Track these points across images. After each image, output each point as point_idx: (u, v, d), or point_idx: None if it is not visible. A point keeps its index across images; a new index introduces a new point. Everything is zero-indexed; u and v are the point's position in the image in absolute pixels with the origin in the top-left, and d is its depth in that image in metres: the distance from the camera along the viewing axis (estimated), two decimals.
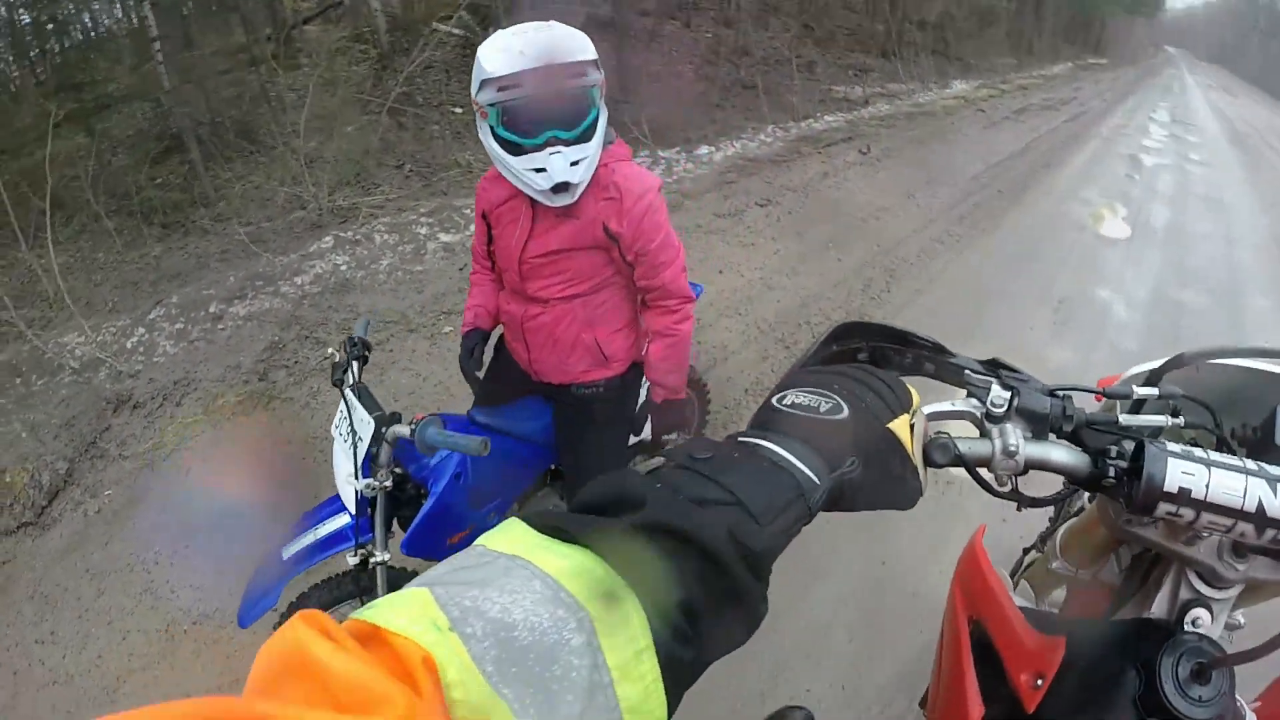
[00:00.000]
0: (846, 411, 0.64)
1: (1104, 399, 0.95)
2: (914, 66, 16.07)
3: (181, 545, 3.18)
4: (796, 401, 0.66)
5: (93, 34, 8.33)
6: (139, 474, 3.62)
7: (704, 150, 8.45)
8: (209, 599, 2.91)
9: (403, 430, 1.82)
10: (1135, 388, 0.88)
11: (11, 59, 7.48)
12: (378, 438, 1.87)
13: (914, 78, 15.62)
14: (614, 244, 1.98)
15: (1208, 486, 0.67)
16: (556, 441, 2.35)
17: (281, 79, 7.95)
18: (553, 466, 2.51)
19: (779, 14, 13.52)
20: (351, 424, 1.94)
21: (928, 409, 0.79)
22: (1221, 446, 0.84)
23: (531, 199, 1.97)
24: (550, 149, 1.81)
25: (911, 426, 0.69)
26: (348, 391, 1.98)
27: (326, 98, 7.41)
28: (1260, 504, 0.66)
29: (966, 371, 0.88)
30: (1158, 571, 0.89)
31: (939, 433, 0.78)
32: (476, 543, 0.48)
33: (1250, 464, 0.69)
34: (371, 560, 1.95)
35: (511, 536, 0.48)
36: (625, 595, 0.44)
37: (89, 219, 6.11)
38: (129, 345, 4.49)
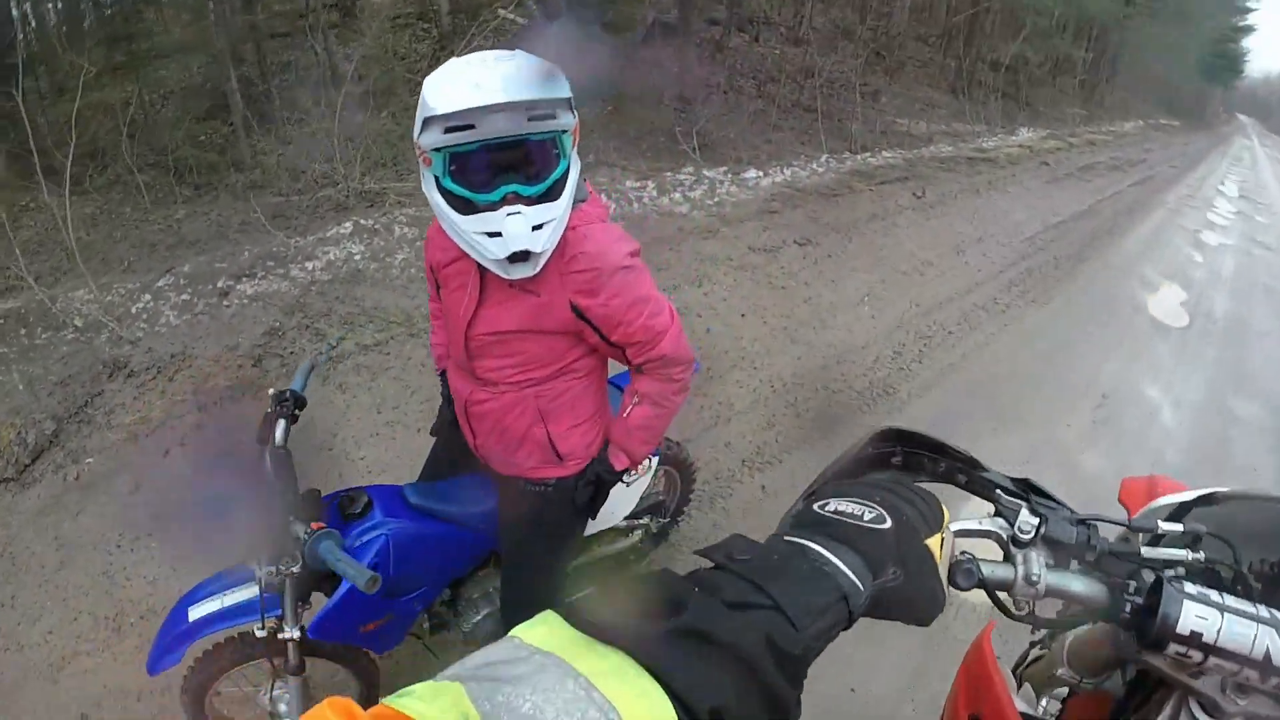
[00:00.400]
0: (889, 523, 0.65)
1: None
2: (982, 108, 15.80)
3: (145, 533, 3.14)
4: (840, 509, 0.67)
5: None
6: (121, 446, 3.57)
7: (752, 174, 8.24)
8: (159, 594, 2.89)
9: (298, 531, 1.62)
10: (1160, 523, 0.88)
11: (61, 4, 7.48)
12: (283, 524, 1.66)
13: (981, 119, 15.35)
14: (586, 325, 1.66)
15: (1219, 633, 0.69)
16: (499, 530, 2.10)
17: (339, 49, 7.91)
18: (495, 549, 2.27)
19: (850, 38, 13.27)
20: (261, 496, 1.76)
21: (955, 525, 0.79)
22: (1238, 583, 0.85)
23: (480, 269, 1.65)
24: (508, 208, 1.48)
25: (941, 542, 0.69)
26: (266, 455, 1.76)
27: (378, 73, 7.34)
28: (1268, 652, 0.68)
29: (998, 490, 0.88)
30: (1160, 694, 0.89)
31: (963, 553, 0.78)
32: (512, 634, 0.49)
33: (1264, 611, 0.71)
34: (281, 636, 1.78)
35: (547, 632, 0.49)
36: (658, 698, 0.44)
37: (123, 170, 6.08)
38: (134, 310, 4.43)
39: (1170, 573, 0.79)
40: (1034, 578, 0.78)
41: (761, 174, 8.33)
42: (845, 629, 0.58)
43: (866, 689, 2.71)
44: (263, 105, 7.11)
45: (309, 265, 4.98)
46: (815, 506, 0.69)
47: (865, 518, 0.65)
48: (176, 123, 6.43)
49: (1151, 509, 1.06)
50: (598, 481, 1.90)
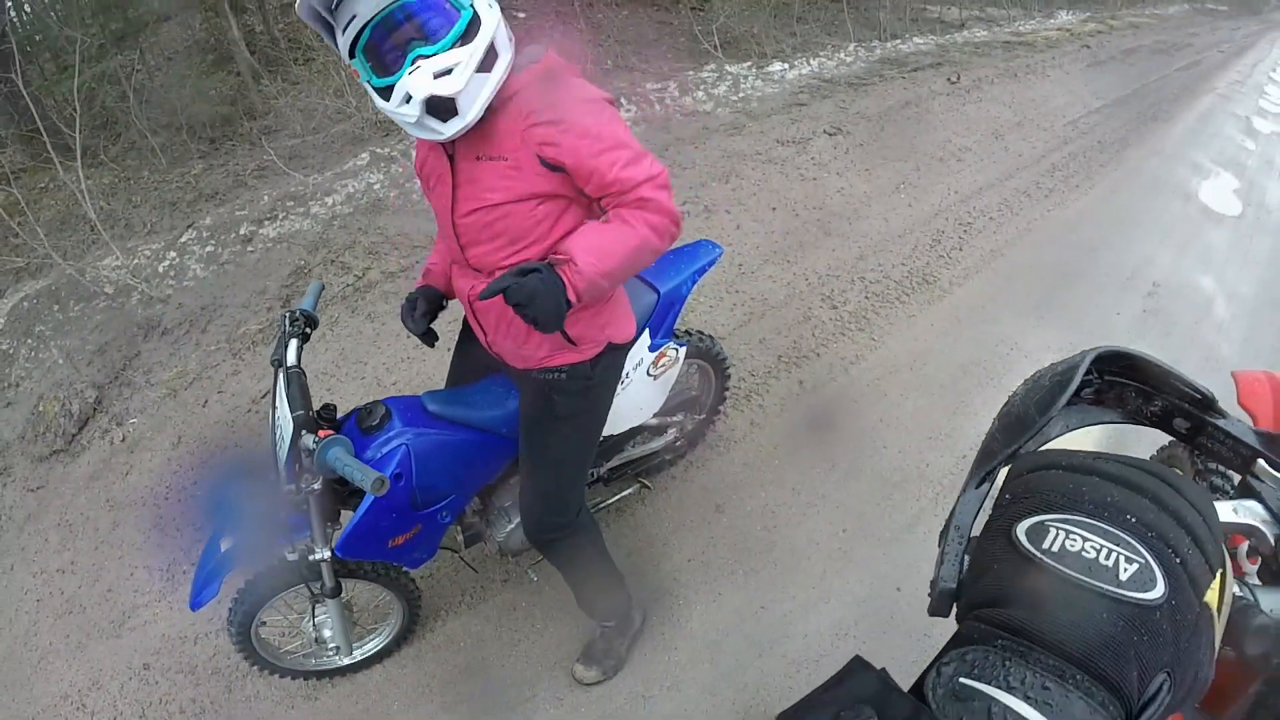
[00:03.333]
0: (1161, 586, 0.41)
1: None
2: None
3: (190, 482, 3.22)
4: (1070, 549, 0.42)
5: None
6: (162, 403, 3.63)
7: (777, 67, 7.91)
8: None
9: (308, 443, 1.59)
10: None
11: None
12: (296, 440, 1.64)
13: (1016, 3, 14.53)
14: (558, 175, 1.57)
15: None
16: (519, 427, 2.03)
17: None
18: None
19: None
20: (278, 414, 1.73)
21: None
22: None
23: (449, 151, 1.64)
24: (412, 69, 1.46)
25: (1221, 585, 0.45)
26: (279, 375, 1.76)
27: None
28: None
29: (1260, 462, 0.62)
30: None
31: (1244, 594, 0.53)
32: None
33: None
34: (312, 557, 1.77)
35: None
36: None
37: (136, 136, 6.06)
38: (161, 269, 4.45)
39: None
40: None
41: (787, 67, 7.99)
42: None
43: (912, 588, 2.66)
44: (268, 50, 7.01)
45: (329, 200, 4.94)
46: (1021, 534, 0.45)
47: (1122, 574, 0.41)
48: (183, 82, 6.36)
49: None
50: (518, 284, 1.51)
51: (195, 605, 1.87)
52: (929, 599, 0.52)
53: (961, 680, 0.40)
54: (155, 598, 2.79)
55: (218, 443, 3.39)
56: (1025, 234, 5.37)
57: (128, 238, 4.87)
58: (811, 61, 8.32)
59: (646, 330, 2.17)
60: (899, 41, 9.94)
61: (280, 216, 4.80)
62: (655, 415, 2.47)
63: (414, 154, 1.91)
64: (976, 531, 0.54)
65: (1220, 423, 0.65)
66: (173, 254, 4.55)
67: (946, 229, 5.22)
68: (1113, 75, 11.03)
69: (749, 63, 7.92)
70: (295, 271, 4.33)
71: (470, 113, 1.50)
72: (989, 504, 0.54)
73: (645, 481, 2.77)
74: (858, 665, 0.45)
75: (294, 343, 1.82)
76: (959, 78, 8.59)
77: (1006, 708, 0.37)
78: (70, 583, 2.91)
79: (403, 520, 1.90)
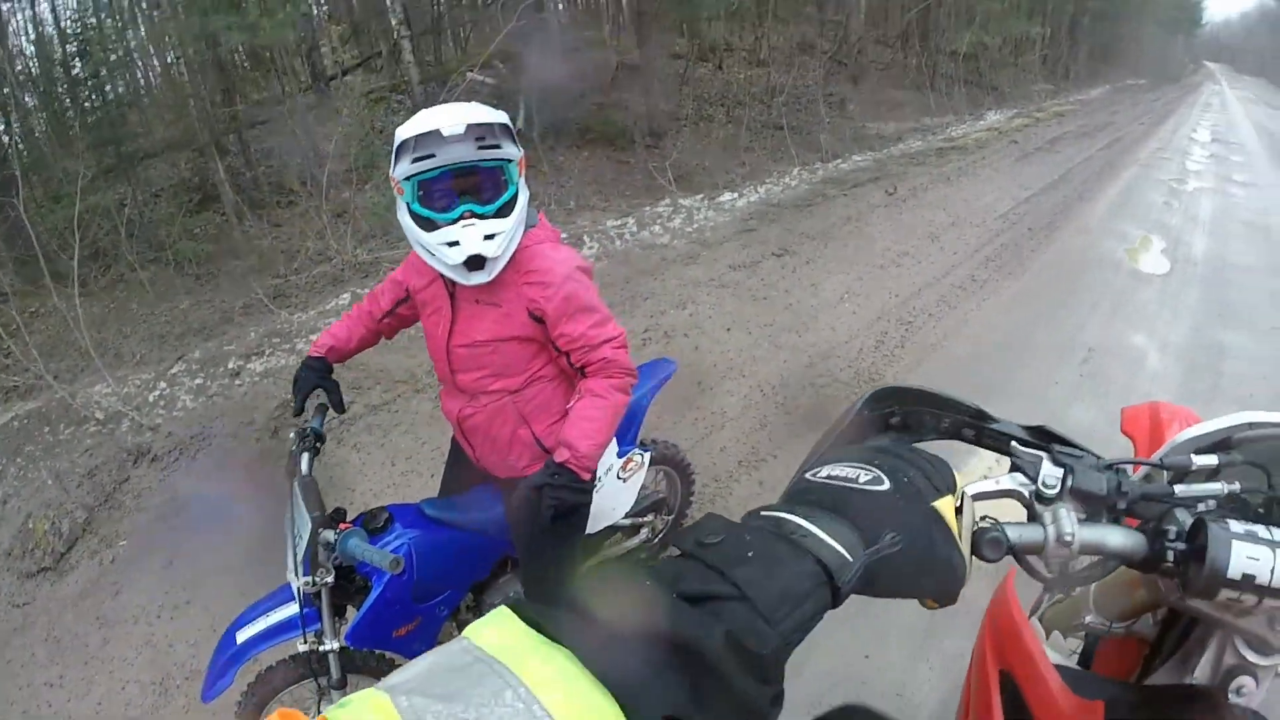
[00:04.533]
0: (888, 483, 0.59)
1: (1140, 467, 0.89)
2: (947, 99, 15.99)
3: (183, 601, 3.29)
4: (834, 474, 0.62)
5: (135, 89, 8.66)
6: (152, 526, 3.73)
7: (727, 197, 8.47)
8: (201, 655, 2.96)
9: (329, 537, 1.82)
10: (1194, 457, 0.83)
11: (48, 116, 7.76)
12: (314, 537, 1.86)
13: (948, 110, 15.53)
14: (539, 325, 1.92)
15: (1273, 572, 0.63)
16: (510, 532, 2.30)
17: (319, 130, 8.19)
18: (510, 555, 2.48)
19: (810, 52, 13.57)
20: (294, 519, 1.96)
21: (971, 489, 0.73)
22: (1273, 507, 0.80)
23: (450, 288, 1.95)
24: (464, 222, 1.78)
25: (957, 510, 0.63)
26: (294, 485, 1.99)
27: (359, 149, 7.60)
28: None
29: (1014, 443, 0.80)
30: (1198, 632, 0.83)
31: (985, 518, 0.71)
32: (464, 633, 0.46)
33: None
34: (321, 648, 1.96)
35: (498, 632, 0.45)
36: (608, 707, 0.40)
37: (125, 269, 6.34)
38: (151, 399, 4.65)
39: (1201, 507, 0.74)
40: (1067, 537, 0.69)
41: (737, 195, 8.56)
42: (833, 608, 0.52)
43: (882, 654, 2.80)
44: (251, 192, 7.38)
45: (312, 338, 5.15)
46: (808, 474, 0.64)
47: (861, 480, 0.60)
48: (171, 218, 6.68)
49: (1174, 445, 0.98)
50: (542, 487, 1.87)
51: (208, 697, 2.04)
52: None
53: (761, 512, 0.58)
54: (148, 711, 2.82)
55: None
56: (963, 324, 5.71)
57: (117, 366, 5.06)
58: (759, 188, 8.90)
59: (613, 439, 2.44)
60: (840, 161, 10.59)
61: (267, 352, 5.04)
62: (627, 516, 2.73)
63: (397, 273, 2.21)
64: None
65: (992, 425, 0.85)
66: (163, 384, 4.75)
67: (889, 330, 5.54)
68: (1039, 165, 11.66)
69: (701, 194, 8.43)
70: (281, 405, 4.52)
71: (495, 270, 1.84)
72: None
73: None
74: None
75: (305, 455, 2.05)
76: (895, 189, 9.21)
77: (783, 518, 0.56)
78: (58, 696, 2.93)
79: (405, 611, 2.13)
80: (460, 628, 2.44)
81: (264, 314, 5.62)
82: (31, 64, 8.00)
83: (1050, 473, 0.74)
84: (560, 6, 11.67)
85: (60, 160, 6.97)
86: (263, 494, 3.87)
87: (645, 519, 2.95)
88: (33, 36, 8.03)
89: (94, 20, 7.93)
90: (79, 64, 7.77)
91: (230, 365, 4.90)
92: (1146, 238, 8.21)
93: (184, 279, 6.47)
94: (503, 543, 2.35)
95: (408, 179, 1.79)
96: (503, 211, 1.82)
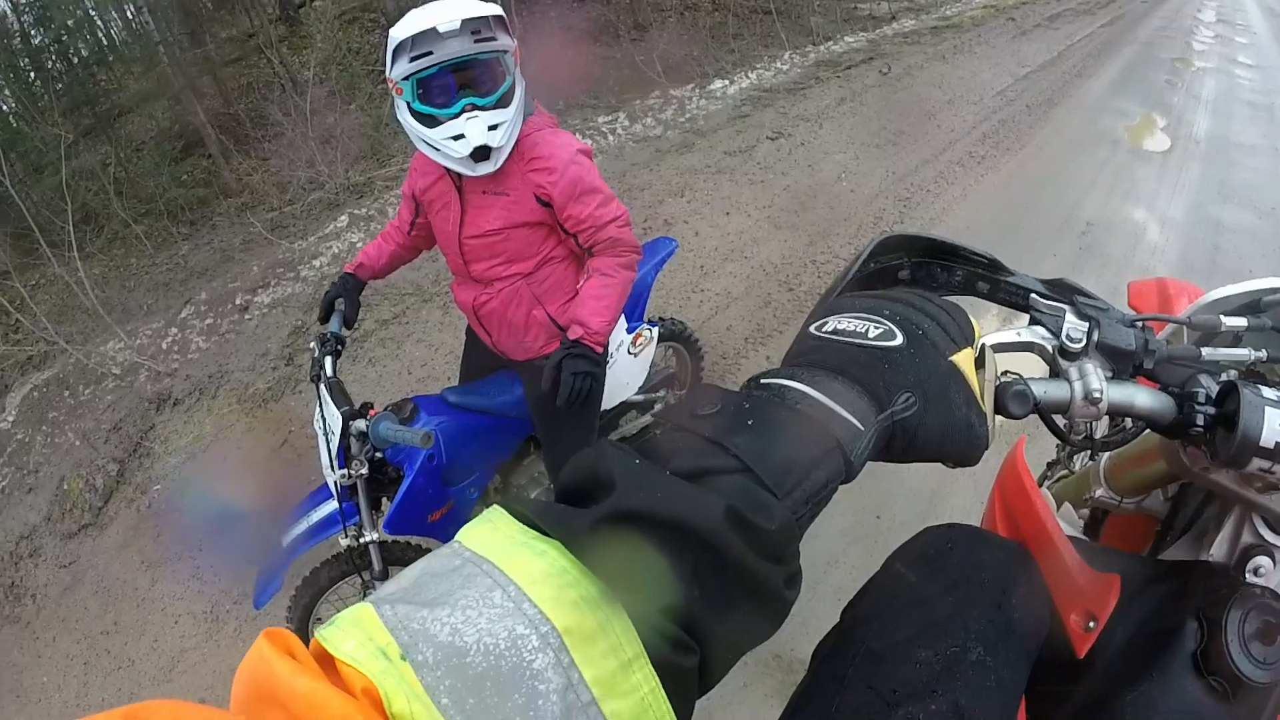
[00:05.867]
0: (901, 338, 0.54)
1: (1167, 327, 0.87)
2: None
3: (221, 532, 3.37)
4: (840, 328, 0.56)
5: (100, 47, 8.46)
6: (182, 467, 3.81)
7: (718, 85, 8.23)
8: (247, 579, 3.06)
9: (361, 425, 1.90)
10: (1223, 318, 0.79)
11: (20, 86, 7.60)
12: (345, 430, 1.94)
13: None
14: (547, 209, 1.96)
15: None
16: (531, 411, 2.37)
17: (294, 59, 8.00)
18: (532, 436, 2.56)
19: None
20: (324, 418, 2.02)
21: (990, 339, 0.68)
22: None
23: (456, 182, 1.98)
24: (467, 115, 1.81)
25: (978, 362, 0.58)
26: (321, 387, 2.06)
27: (338, 72, 7.45)
28: None
29: (1033, 295, 0.75)
30: (1214, 509, 0.81)
31: (1007, 373, 0.66)
32: (456, 537, 0.43)
33: None
34: (362, 540, 2.04)
35: (490, 530, 0.42)
36: (603, 600, 0.38)
37: (119, 226, 6.31)
38: (164, 346, 4.68)
39: (1224, 376, 0.69)
40: (1095, 394, 0.65)
41: (728, 83, 8.32)
42: (845, 481, 0.48)
43: (890, 513, 2.88)
44: (234, 130, 7.27)
45: (316, 263, 5.21)
46: (812, 329, 0.58)
47: (870, 334, 0.54)
48: (157, 169, 6.60)
49: (1201, 305, 0.93)
50: (560, 363, 1.97)
51: (260, 602, 2.15)
52: None
53: (761, 380, 0.52)
54: (202, 639, 2.95)
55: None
56: (961, 199, 5.70)
57: (126, 321, 5.07)
58: (750, 75, 8.64)
59: (622, 316, 2.50)
60: (832, 43, 10.22)
61: (272, 283, 5.05)
62: (641, 391, 2.79)
63: (404, 186, 2.24)
64: None
65: (1009, 278, 0.78)
66: (174, 330, 4.77)
67: (887, 206, 5.55)
68: (1038, 43, 11.31)
69: (692, 84, 8.22)
70: (294, 331, 4.57)
71: (501, 159, 1.87)
72: None
73: None
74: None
75: (329, 359, 2.12)
76: (890, 69, 8.93)
77: (785, 385, 0.50)
78: (115, 642, 3.06)
79: (438, 495, 2.20)
80: None
81: (264, 247, 5.60)
82: None
83: (1075, 325, 0.70)
84: None
85: (37, 130, 6.86)
86: (285, 419, 3.98)
87: (658, 394, 3.00)
88: None
89: None
90: (39, 32, 7.59)
91: (238, 301, 4.91)
92: (1148, 115, 8.01)
93: (179, 226, 6.43)
94: (525, 423, 2.42)
95: (406, 78, 1.80)
96: (503, 101, 1.85)
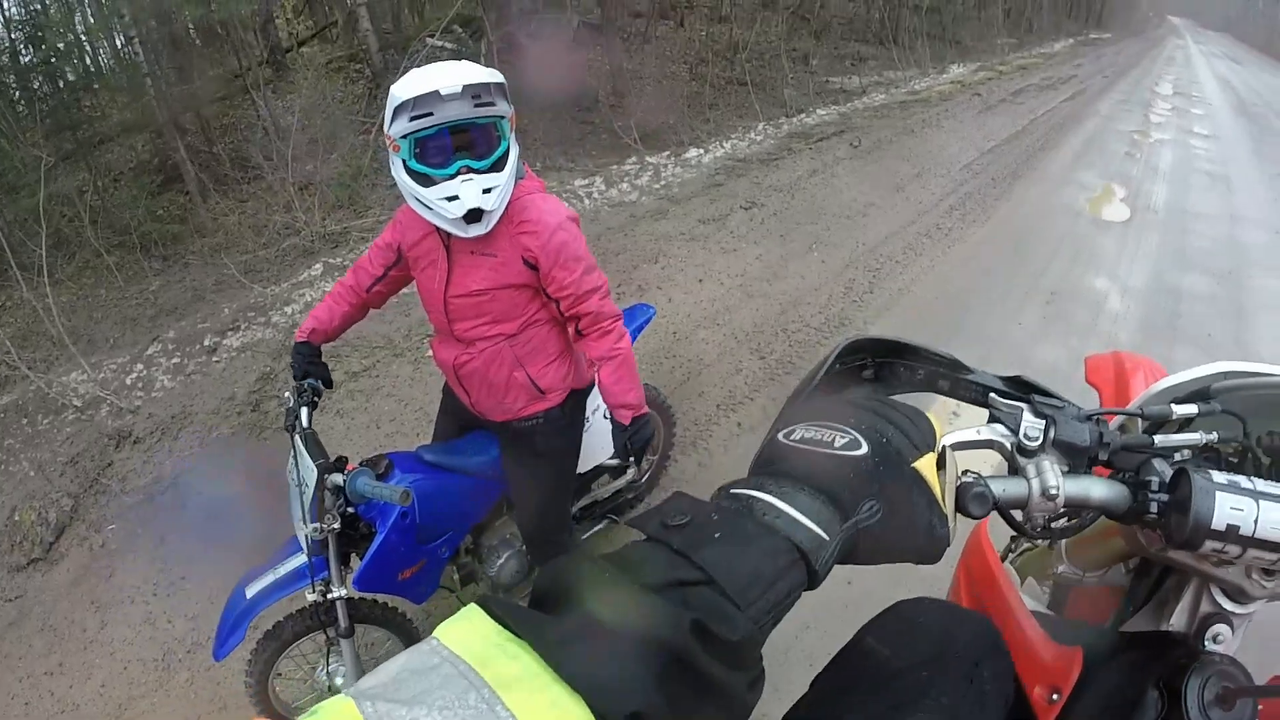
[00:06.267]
0: (865, 447, 0.56)
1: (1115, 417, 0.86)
2: (911, 53, 15.92)
3: (178, 577, 3.32)
4: (806, 436, 0.59)
5: (87, 72, 8.45)
6: (139, 507, 3.73)
7: (693, 153, 8.47)
8: (202, 628, 3.05)
9: (338, 479, 1.92)
10: (1173, 406, 0.82)
11: (5, 105, 7.55)
12: (320, 484, 1.95)
13: (911, 64, 15.47)
14: (532, 271, 2.01)
15: (1256, 522, 0.61)
16: (505, 471, 2.40)
17: (278, 103, 8.06)
18: (506, 497, 2.57)
19: (773, 7, 13.45)
20: (298, 471, 2.03)
21: (949, 439, 0.69)
22: (1246, 455, 0.80)
23: (445, 241, 2.02)
24: (462, 177, 1.85)
25: (939, 463, 0.60)
26: (296, 438, 2.07)
27: (321, 120, 7.51)
28: None
29: (992, 394, 0.78)
30: (1173, 580, 0.83)
31: (967, 471, 0.68)
32: (435, 633, 0.44)
33: None
34: (329, 596, 2.04)
35: (467, 629, 0.44)
36: (573, 704, 0.39)
37: (91, 255, 6.24)
38: (128, 381, 4.62)
39: (1178, 457, 0.74)
40: (1052, 490, 0.67)
41: (703, 151, 8.55)
42: (810, 589, 0.51)
43: (860, 582, 2.90)
44: (214, 169, 7.27)
45: (288, 309, 5.20)
46: (780, 437, 0.61)
47: (836, 443, 0.57)
48: (134, 201, 6.54)
49: (1152, 394, 0.97)
50: (628, 441, 2.22)
51: (221, 654, 2.13)
52: None
53: (730, 490, 0.56)
54: (152, 687, 2.85)
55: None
56: (929, 270, 5.87)
57: (91, 353, 5.00)
58: (725, 144, 8.91)
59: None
60: (805, 115, 10.58)
61: (242, 327, 5.03)
62: (613, 456, 2.83)
63: (383, 236, 2.25)
64: None
65: (968, 376, 0.83)
66: (139, 366, 4.72)
67: (857, 277, 5.69)
68: (1003, 117, 11.79)
69: (667, 152, 8.44)
70: (262, 378, 4.53)
71: (493, 222, 1.92)
72: None
73: (614, 517, 3.07)
74: (674, 498, 0.57)
75: (304, 410, 2.13)
76: (860, 142, 9.26)
77: (753, 496, 0.53)
78: (60, 684, 2.95)
79: (410, 554, 2.21)
80: (460, 571, 2.51)
81: (237, 289, 5.59)
82: None
83: (1032, 424, 0.72)
84: None
85: (17, 150, 6.81)
86: (250, 466, 3.95)
87: (630, 460, 3.03)
88: None
89: (40, 6, 7.71)
90: (28, 51, 7.57)
91: (206, 342, 4.88)
92: (1108, 187, 8.40)
93: (152, 261, 6.39)
94: (499, 484, 2.44)
95: (404, 136, 1.84)
96: (498, 165, 1.89)
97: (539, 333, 2.17)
